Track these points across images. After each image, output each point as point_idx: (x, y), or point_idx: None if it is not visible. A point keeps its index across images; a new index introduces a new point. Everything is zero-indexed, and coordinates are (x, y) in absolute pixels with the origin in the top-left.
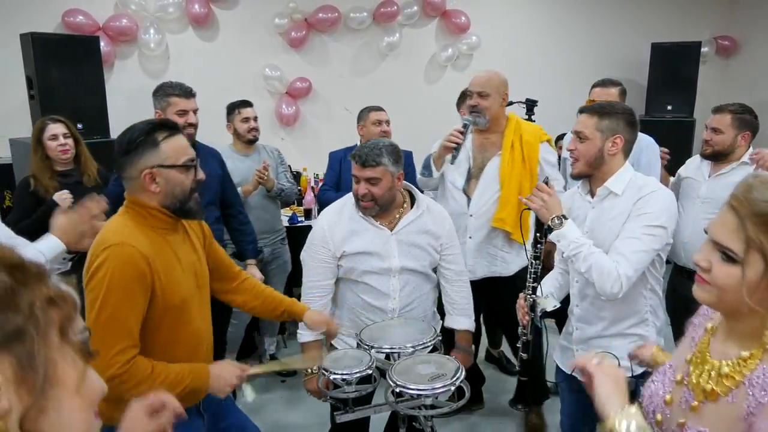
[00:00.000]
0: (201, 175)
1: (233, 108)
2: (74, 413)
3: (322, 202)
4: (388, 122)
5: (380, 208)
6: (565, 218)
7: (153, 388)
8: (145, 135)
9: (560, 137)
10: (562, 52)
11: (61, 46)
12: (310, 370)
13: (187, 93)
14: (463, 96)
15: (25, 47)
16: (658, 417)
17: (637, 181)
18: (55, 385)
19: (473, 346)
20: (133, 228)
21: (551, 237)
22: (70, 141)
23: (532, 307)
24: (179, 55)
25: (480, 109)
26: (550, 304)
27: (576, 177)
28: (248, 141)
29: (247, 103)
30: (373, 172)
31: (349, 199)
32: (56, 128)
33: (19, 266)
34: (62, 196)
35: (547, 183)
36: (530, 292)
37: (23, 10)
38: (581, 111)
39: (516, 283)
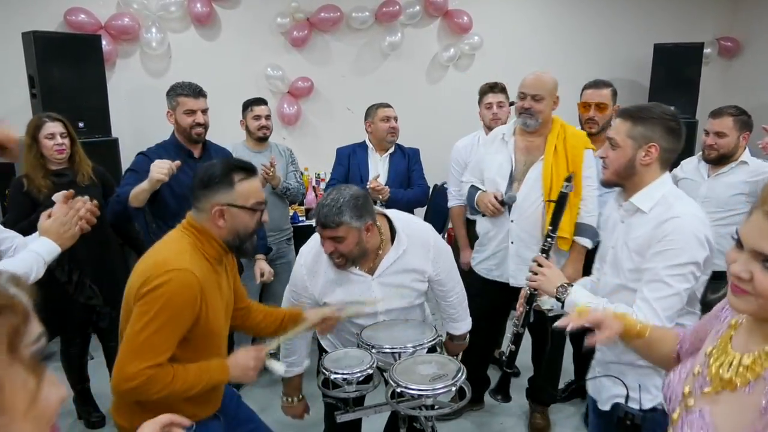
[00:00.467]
0: (265, 217)
1: (247, 105)
2: None
3: None
4: (396, 118)
5: (353, 262)
6: (570, 285)
7: (174, 391)
8: (223, 174)
9: None
10: (564, 53)
11: (63, 44)
12: (289, 399)
13: (196, 92)
14: (486, 91)
15: (27, 46)
16: (674, 417)
17: (668, 199)
18: (1, 413)
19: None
20: (192, 253)
21: (565, 308)
22: (66, 141)
23: (530, 299)
24: (181, 55)
25: (533, 112)
26: (548, 303)
27: (605, 185)
28: (258, 138)
29: (260, 101)
30: (335, 232)
31: None
32: (54, 127)
33: None
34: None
35: (547, 252)
36: (533, 289)
37: (25, 8)
38: (618, 114)
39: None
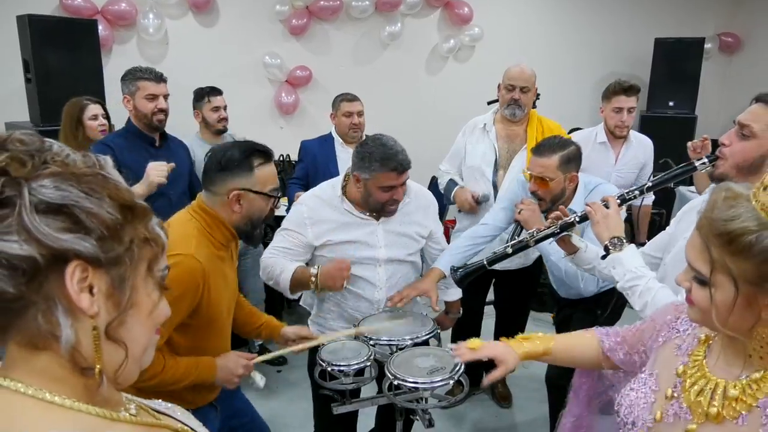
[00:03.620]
0: (278, 204)
1: (202, 95)
2: (143, 330)
3: (290, 199)
4: (360, 113)
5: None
6: (626, 242)
7: (163, 382)
8: (243, 158)
9: (573, 130)
10: (564, 47)
11: (59, 29)
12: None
13: (158, 77)
14: (618, 92)
15: (22, 30)
16: None
17: None
18: (134, 306)
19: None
20: (198, 239)
21: (606, 261)
22: (106, 121)
23: (566, 226)
24: (178, 41)
25: (521, 104)
26: (579, 242)
27: (718, 179)
28: (217, 131)
29: (217, 91)
30: (406, 175)
31: (333, 191)
32: (96, 108)
33: (131, 207)
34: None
35: (624, 202)
36: (578, 219)
37: None
38: (758, 99)
39: (532, 273)
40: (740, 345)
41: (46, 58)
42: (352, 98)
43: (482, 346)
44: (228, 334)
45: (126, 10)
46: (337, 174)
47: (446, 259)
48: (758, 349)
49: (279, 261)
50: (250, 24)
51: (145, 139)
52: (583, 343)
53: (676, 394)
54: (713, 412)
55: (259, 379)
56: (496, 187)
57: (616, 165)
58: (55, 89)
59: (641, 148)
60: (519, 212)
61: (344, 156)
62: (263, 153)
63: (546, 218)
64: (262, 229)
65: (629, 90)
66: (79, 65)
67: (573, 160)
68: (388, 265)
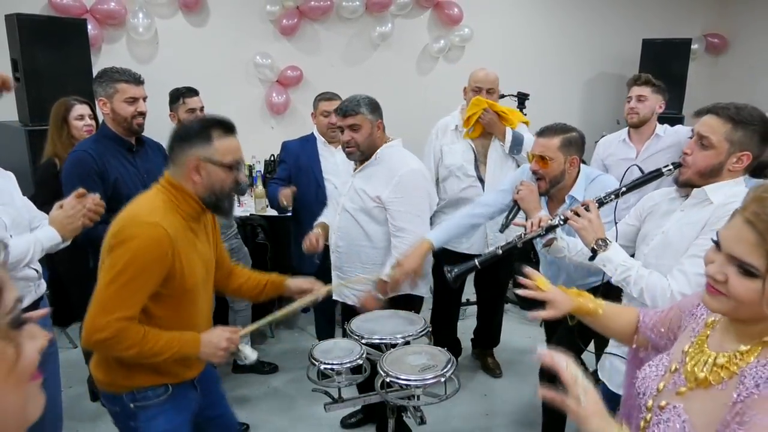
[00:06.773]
0: (243, 178)
1: (177, 96)
2: (7, 398)
3: (271, 198)
4: None
5: (362, 154)
6: (609, 242)
7: (143, 352)
8: (201, 128)
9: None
10: (553, 47)
11: (48, 28)
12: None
13: (136, 79)
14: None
15: (11, 29)
16: (649, 403)
17: (739, 194)
18: None
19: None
20: (164, 209)
21: (596, 261)
22: (93, 122)
23: (551, 228)
24: (168, 41)
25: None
26: (563, 242)
27: (683, 185)
28: None
29: (193, 92)
30: (354, 120)
31: None
32: (83, 108)
33: None
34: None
35: (601, 205)
36: (562, 222)
37: None
38: (707, 111)
39: (517, 254)
40: (746, 330)
41: (34, 57)
42: (330, 97)
43: (547, 289)
44: (206, 307)
45: (115, 9)
46: (320, 173)
47: (438, 233)
48: None
49: None
50: (240, 24)
51: (122, 143)
52: (626, 317)
53: (679, 368)
54: (701, 376)
55: (250, 352)
56: (482, 181)
57: (636, 159)
58: (43, 89)
59: (676, 137)
60: (517, 192)
61: (327, 155)
62: (224, 125)
63: (548, 204)
64: (230, 202)
65: (638, 79)
66: (68, 65)
67: (574, 144)
68: (343, 213)
